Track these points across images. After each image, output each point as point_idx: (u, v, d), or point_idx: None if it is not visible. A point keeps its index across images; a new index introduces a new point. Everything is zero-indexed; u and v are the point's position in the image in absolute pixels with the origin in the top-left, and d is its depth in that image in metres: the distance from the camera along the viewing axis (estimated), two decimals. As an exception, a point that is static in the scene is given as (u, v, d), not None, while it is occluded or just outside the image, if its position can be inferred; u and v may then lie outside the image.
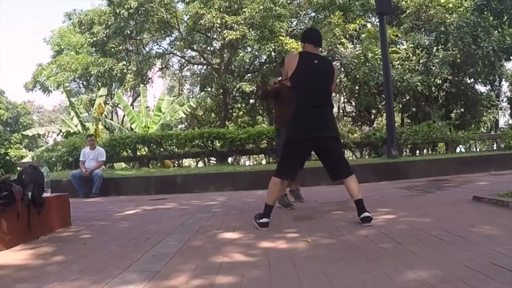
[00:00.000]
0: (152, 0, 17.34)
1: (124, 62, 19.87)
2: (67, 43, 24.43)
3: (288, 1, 18.88)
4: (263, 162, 21.85)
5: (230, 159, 13.85)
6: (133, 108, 20.38)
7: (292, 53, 3.74)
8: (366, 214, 3.38)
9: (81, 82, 23.62)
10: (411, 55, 13.96)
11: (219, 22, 16.50)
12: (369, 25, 14.74)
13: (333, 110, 3.79)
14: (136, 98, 23.40)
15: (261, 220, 3.50)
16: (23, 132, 18.98)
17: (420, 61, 13.90)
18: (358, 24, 15.10)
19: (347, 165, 3.64)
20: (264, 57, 20.14)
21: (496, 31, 13.50)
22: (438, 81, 13.68)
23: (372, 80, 13.07)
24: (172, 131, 14.96)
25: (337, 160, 3.62)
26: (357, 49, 14.14)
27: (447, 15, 14.12)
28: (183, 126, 23.70)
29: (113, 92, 21.90)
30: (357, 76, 13.18)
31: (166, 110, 17.28)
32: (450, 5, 14.33)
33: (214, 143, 11.93)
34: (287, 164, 3.57)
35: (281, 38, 16.52)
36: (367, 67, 13.19)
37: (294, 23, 20.75)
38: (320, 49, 3.70)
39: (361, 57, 13.47)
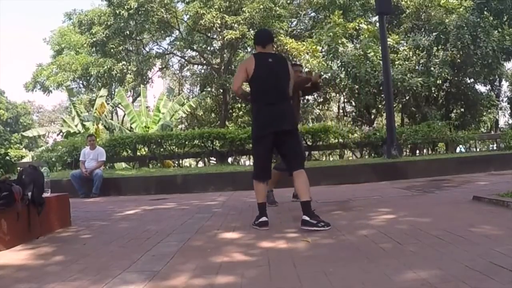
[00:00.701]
0: (152, 0, 17.34)
1: (124, 62, 19.88)
2: (67, 42, 24.44)
3: (288, 1, 18.88)
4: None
5: (230, 159, 13.85)
6: (133, 108, 20.38)
7: (244, 59, 3.83)
8: (305, 217, 3.32)
9: (81, 82, 23.63)
10: (411, 55, 13.96)
11: (219, 22, 16.51)
12: (367, 25, 14.70)
13: (290, 104, 3.83)
14: (136, 98, 23.42)
15: (260, 220, 3.52)
16: (23, 133, 18.98)
17: (420, 62, 13.89)
18: (358, 24, 15.11)
19: (300, 159, 3.69)
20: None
21: (496, 31, 13.50)
22: (438, 81, 13.68)
23: (373, 78, 13.07)
24: (172, 131, 14.97)
25: (292, 153, 3.65)
26: (357, 48, 14.14)
27: (446, 15, 14.11)
28: (183, 126, 23.70)
29: (113, 92, 21.91)
30: (358, 74, 13.18)
31: (166, 110, 17.29)
32: (450, 6, 14.32)
33: (214, 143, 11.92)
34: (258, 164, 3.70)
35: (281, 38, 16.53)
36: (368, 66, 13.18)
37: (294, 23, 20.77)
38: (271, 45, 3.83)
39: (361, 56, 13.47)
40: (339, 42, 13.86)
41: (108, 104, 19.80)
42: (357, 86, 13.84)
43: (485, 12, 13.63)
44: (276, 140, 3.57)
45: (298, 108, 4.93)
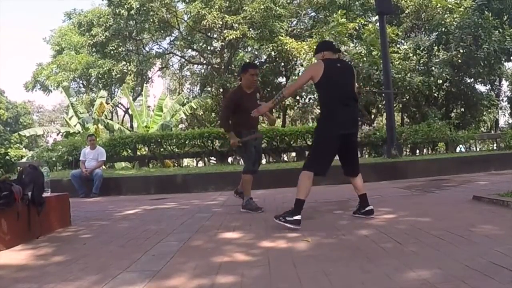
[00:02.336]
0: (153, 0, 17.35)
1: (124, 63, 19.89)
2: (68, 42, 24.44)
3: (288, 1, 18.88)
4: (263, 161, 21.83)
5: (230, 159, 13.85)
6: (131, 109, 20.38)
7: (314, 63, 3.91)
8: (370, 207, 3.78)
9: (81, 82, 23.64)
10: (411, 55, 13.96)
11: (220, 22, 16.51)
12: (370, 26, 14.71)
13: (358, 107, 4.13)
14: (136, 98, 23.42)
15: (295, 217, 3.38)
16: (21, 132, 18.97)
17: (421, 61, 13.89)
18: (358, 24, 15.10)
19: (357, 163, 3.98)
20: (264, 56, 20.15)
21: (497, 31, 13.49)
22: (438, 81, 13.68)
23: (375, 74, 13.05)
24: (172, 131, 14.97)
25: (355, 155, 3.99)
26: (358, 47, 14.13)
27: (447, 15, 14.10)
28: (183, 126, 23.70)
29: (113, 93, 21.91)
30: (359, 72, 13.17)
31: (166, 110, 17.28)
32: (450, 6, 14.31)
33: (214, 143, 11.92)
34: (321, 161, 3.64)
35: (281, 38, 16.52)
36: (370, 62, 13.17)
37: (294, 22, 20.77)
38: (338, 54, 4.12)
39: (363, 55, 13.46)
40: (342, 41, 13.85)
41: (108, 104, 19.81)
42: (357, 85, 13.83)
43: (486, 12, 13.61)
44: (343, 141, 3.67)
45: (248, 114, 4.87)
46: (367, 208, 3.77)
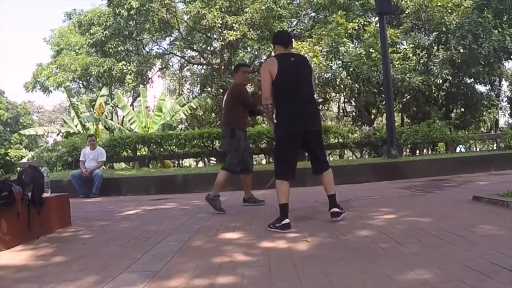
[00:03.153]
0: (153, 0, 17.34)
1: (124, 62, 19.88)
2: (66, 43, 24.44)
3: (288, 1, 18.88)
4: (263, 162, 21.84)
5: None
6: (133, 108, 20.37)
7: (265, 62, 3.80)
8: (335, 209, 3.60)
9: (81, 82, 23.64)
10: (411, 55, 13.96)
11: (220, 22, 16.51)
12: (371, 26, 14.72)
13: (317, 104, 3.98)
14: (136, 98, 23.42)
15: (283, 222, 3.37)
16: (21, 131, 18.97)
17: (421, 61, 13.89)
18: (358, 24, 15.09)
19: (326, 159, 3.90)
20: (264, 57, 20.14)
21: (496, 31, 13.49)
22: (438, 81, 13.67)
23: (374, 76, 13.06)
24: (172, 131, 14.96)
25: (320, 153, 3.78)
26: (358, 48, 14.13)
27: (447, 15, 14.10)
28: (183, 126, 23.70)
29: (113, 93, 21.89)
30: (359, 73, 13.18)
31: (167, 111, 17.27)
32: (450, 5, 14.31)
33: (214, 143, 11.91)
34: (285, 163, 3.59)
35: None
36: (369, 63, 13.18)
37: (294, 23, 20.76)
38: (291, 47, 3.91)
39: (363, 56, 13.46)
40: (341, 42, 13.85)
41: (107, 104, 19.79)
42: (357, 86, 13.84)
43: (486, 11, 13.60)
44: (304, 140, 3.60)
45: (246, 115, 4.98)
46: (331, 210, 3.60)
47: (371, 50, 13.43)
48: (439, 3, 14.48)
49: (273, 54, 17.86)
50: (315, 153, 3.74)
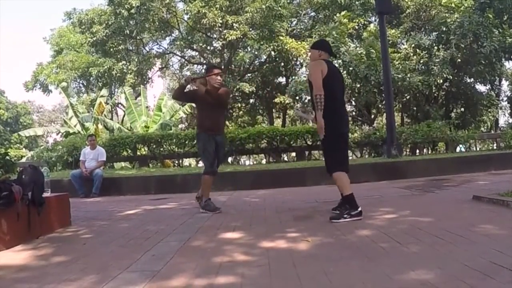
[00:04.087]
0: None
1: (124, 62, 19.87)
2: (66, 42, 24.43)
3: (288, 1, 18.88)
4: (263, 161, 21.86)
5: (230, 159, 13.85)
6: (129, 108, 20.33)
7: (317, 61, 3.95)
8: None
9: (81, 82, 23.64)
10: (411, 55, 13.95)
11: (220, 21, 16.50)
12: (371, 25, 14.72)
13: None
14: (136, 98, 23.39)
15: (358, 210, 3.66)
16: (20, 133, 18.94)
17: (421, 61, 13.89)
18: (358, 23, 15.08)
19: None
20: (264, 56, 20.15)
21: (497, 31, 13.49)
22: (438, 81, 13.67)
23: (373, 75, 13.05)
24: (172, 130, 14.95)
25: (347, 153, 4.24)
26: (358, 48, 14.12)
27: (448, 15, 14.08)
28: (183, 126, 23.70)
29: (113, 92, 21.87)
30: (358, 73, 13.16)
31: (166, 110, 17.26)
32: (452, 5, 14.30)
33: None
34: (341, 157, 3.94)
35: (281, 37, 16.51)
36: (368, 63, 13.17)
37: (294, 22, 20.76)
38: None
39: (363, 55, 13.45)
40: (342, 41, 13.84)
41: (107, 104, 19.77)
42: (358, 85, 13.82)
43: (487, 10, 13.59)
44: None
45: (211, 118, 4.85)
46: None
47: (371, 49, 13.42)
48: (441, 2, 14.47)
49: (273, 54, 17.85)
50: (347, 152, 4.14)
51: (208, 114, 4.75)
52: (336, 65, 14.19)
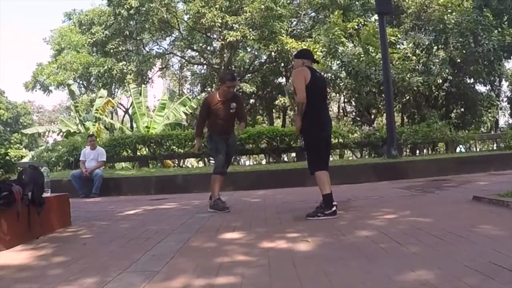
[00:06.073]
0: (153, 0, 17.34)
1: (124, 62, 19.87)
2: (67, 42, 24.42)
3: (288, 1, 18.89)
4: (263, 162, 21.84)
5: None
6: (133, 108, 20.32)
7: (300, 68, 4.15)
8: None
9: (81, 82, 23.63)
10: (411, 55, 13.95)
11: (220, 21, 16.50)
12: (369, 24, 14.72)
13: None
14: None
15: (333, 209, 3.81)
16: (23, 131, 18.95)
17: (420, 61, 13.89)
18: (358, 23, 15.09)
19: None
20: (264, 57, 20.17)
21: (496, 30, 13.49)
22: (438, 81, 13.67)
23: (373, 74, 13.05)
24: (174, 130, 14.94)
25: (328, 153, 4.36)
26: (357, 48, 14.13)
27: (446, 14, 14.08)
28: (185, 124, 23.70)
29: (113, 93, 21.85)
30: (358, 72, 13.16)
31: (169, 110, 17.23)
32: (450, 4, 14.30)
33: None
34: (319, 157, 4.06)
35: (281, 38, 16.51)
36: (368, 60, 13.17)
37: (294, 23, 20.77)
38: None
39: (362, 55, 13.46)
40: (339, 42, 13.84)
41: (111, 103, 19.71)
42: (358, 85, 13.82)
43: (485, 10, 13.59)
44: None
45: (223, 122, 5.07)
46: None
47: (369, 47, 13.42)
48: (440, 1, 14.47)
49: (273, 54, 17.78)
50: (327, 153, 4.24)
51: (221, 122, 4.99)
52: (335, 65, 14.31)
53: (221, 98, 4.92)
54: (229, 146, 5.02)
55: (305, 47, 14.72)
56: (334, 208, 3.83)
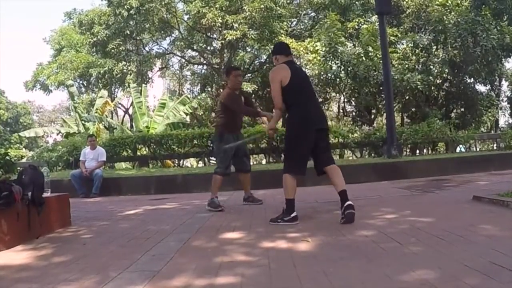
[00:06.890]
0: (153, 0, 17.34)
1: (124, 63, 19.87)
2: (68, 40, 24.40)
3: (288, 1, 18.89)
4: (263, 162, 21.84)
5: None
6: (133, 108, 20.33)
7: (275, 69, 3.91)
8: (349, 202, 3.59)
9: (81, 82, 23.64)
10: (410, 54, 13.95)
11: (220, 21, 16.50)
12: (367, 25, 14.71)
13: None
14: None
15: (292, 215, 3.62)
16: (20, 133, 18.94)
17: (420, 61, 13.89)
18: (358, 23, 15.08)
19: (332, 157, 4.00)
20: (264, 57, 20.15)
21: (495, 30, 13.49)
22: (438, 81, 13.67)
23: (372, 76, 13.04)
24: (177, 129, 14.93)
25: (328, 149, 3.98)
26: (357, 48, 14.12)
27: (445, 14, 14.08)
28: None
29: (113, 93, 21.85)
30: (358, 73, 13.15)
31: (169, 110, 17.23)
32: (449, 3, 14.28)
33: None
34: (299, 159, 3.78)
35: (281, 38, 16.50)
36: (367, 63, 13.17)
37: (294, 23, 20.76)
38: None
39: (361, 55, 13.45)
40: (339, 41, 13.83)
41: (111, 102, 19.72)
42: (356, 85, 13.82)
43: (483, 8, 13.57)
44: (316, 137, 3.75)
45: (238, 119, 5.14)
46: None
47: (368, 48, 13.42)
48: (438, 1, 14.46)
49: (272, 56, 17.89)
50: (323, 150, 3.85)
51: (239, 117, 5.07)
52: (335, 65, 14.30)
53: (236, 90, 4.99)
54: (239, 140, 4.99)
55: (306, 45, 14.74)
56: (293, 215, 3.63)
